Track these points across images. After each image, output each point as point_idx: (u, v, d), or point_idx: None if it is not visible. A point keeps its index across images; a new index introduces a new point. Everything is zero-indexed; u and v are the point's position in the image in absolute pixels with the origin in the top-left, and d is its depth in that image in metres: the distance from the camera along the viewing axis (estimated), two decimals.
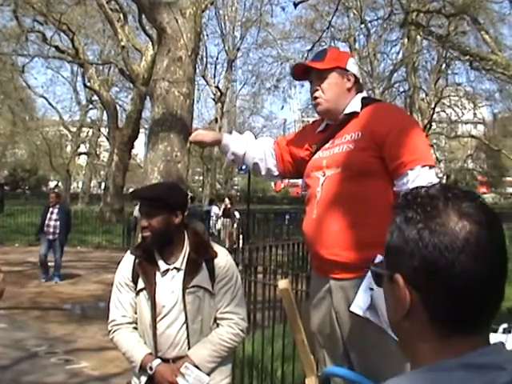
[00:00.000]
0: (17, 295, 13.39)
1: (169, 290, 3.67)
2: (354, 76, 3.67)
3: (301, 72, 3.81)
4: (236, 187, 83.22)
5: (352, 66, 3.69)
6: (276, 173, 4.08)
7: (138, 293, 3.73)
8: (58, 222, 15.38)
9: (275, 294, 6.56)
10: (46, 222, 15.47)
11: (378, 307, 3.08)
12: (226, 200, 26.96)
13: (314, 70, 3.66)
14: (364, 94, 3.77)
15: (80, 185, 73.70)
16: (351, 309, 3.21)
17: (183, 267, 3.68)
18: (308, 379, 2.94)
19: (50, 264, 15.63)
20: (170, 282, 3.68)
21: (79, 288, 14.62)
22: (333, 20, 34.97)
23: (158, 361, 3.64)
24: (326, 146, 3.62)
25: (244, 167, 4.16)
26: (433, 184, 1.38)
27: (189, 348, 3.66)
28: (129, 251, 3.94)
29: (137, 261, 3.76)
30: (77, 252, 22.51)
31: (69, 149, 67.07)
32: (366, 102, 3.63)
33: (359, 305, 3.18)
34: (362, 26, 34.64)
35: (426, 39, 30.79)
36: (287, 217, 31.33)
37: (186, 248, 3.73)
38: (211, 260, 3.73)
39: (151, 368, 3.61)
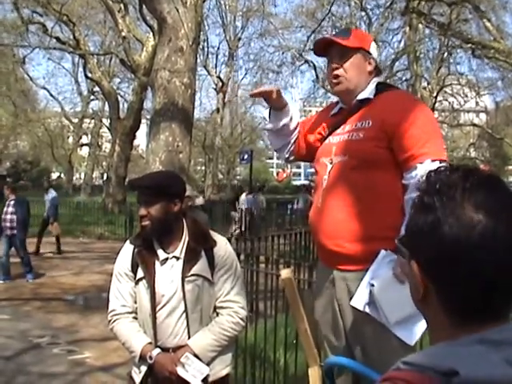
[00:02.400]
0: (19, 286, 13.43)
1: (168, 279, 3.66)
2: (374, 60, 3.62)
3: (322, 46, 3.69)
4: (238, 177, 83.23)
5: (374, 49, 3.64)
6: (287, 154, 4.01)
7: (137, 282, 3.72)
8: (15, 216, 14.33)
9: (277, 284, 6.55)
10: (3, 216, 14.52)
11: (378, 303, 3.07)
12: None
13: (337, 46, 3.55)
14: (380, 79, 3.70)
15: (82, 176, 73.69)
16: (351, 303, 3.20)
17: (182, 256, 3.67)
18: (311, 369, 2.93)
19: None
20: (169, 271, 3.67)
21: (82, 278, 14.63)
22: (334, 9, 34.97)
23: (158, 350, 3.63)
24: (337, 131, 3.56)
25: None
26: (458, 168, 1.36)
27: (189, 337, 3.65)
28: (128, 241, 3.92)
29: (136, 250, 3.74)
30: (79, 243, 22.57)
31: (71, 140, 67.20)
32: (380, 88, 3.55)
33: (360, 299, 3.17)
34: (364, 14, 34.53)
35: (428, 27, 30.73)
36: (289, 206, 31.29)
37: (185, 237, 3.72)
38: (210, 249, 3.72)
39: (151, 357, 3.60)
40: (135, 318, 3.79)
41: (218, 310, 3.77)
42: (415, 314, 1.35)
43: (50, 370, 7.66)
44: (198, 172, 79.13)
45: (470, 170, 1.35)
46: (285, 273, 3.00)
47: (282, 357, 6.26)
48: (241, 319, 3.78)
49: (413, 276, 1.35)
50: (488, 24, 25.05)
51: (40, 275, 14.70)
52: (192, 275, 3.64)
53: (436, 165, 3.11)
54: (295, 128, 3.90)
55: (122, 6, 28.08)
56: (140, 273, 3.70)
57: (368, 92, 3.52)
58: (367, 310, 3.14)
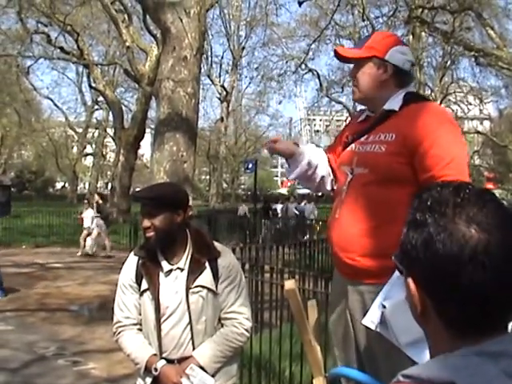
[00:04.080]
0: (25, 297, 13.42)
1: (172, 291, 3.66)
2: (395, 67, 3.40)
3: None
4: (242, 186, 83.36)
5: (395, 55, 3.40)
6: (330, 187, 3.84)
7: (141, 294, 3.72)
8: None
9: (282, 294, 6.54)
10: None
11: (389, 325, 3.04)
12: (96, 196, 24.17)
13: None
14: (410, 88, 3.52)
15: (87, 185, 73.87)
16: (363, 322, 3.15)
17: (186, 267, 3.67)
18: (316, 380, 2.93)
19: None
20: (173, 283, 3.67)
21: (87, 289, 14.61)
22: (337, 17, 35.02)
23: (163, 362, 3.63)
24: (361, 139, 3.46)
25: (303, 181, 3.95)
26: (447, 183, 1.36)
27: (193, 348, 3.64)
28: (132, 252, 3.92)
29: (140, 262, 3.75)
30: (84, 253, 22.54)
31: (75, 150, 67.33)
32: (408, 99, 3.38)
33: (372, 319, 3.13)
34: (367, 23, 34.55)
35: (431, 36, 30.75)
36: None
37: (189, 248, 3.72)
38: (214, 260, 3.71)
39: (156, 369, 3.60)
40: (140, 330, 3.79)
41: (222, 322, 3.75)
42: None
43: (56, 382, 7.64)
44: (202, 181, 79.26)
45: (461, 185, 1.36)
46: (288, 284, 2.99)
47: (287, 367, 6.25)
48: (245, 330, 3.77)
49: (410, 292, 1.36)
50: (491, 32, 25.04)
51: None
52: (196, 286, 3.63)
53: None
54: (323, 160, 3.79)
55: (125, 16, 28.15)
56: (144, 284, 3.70)
57: (394, 103, 3.38)
58: (378, 329, 3.11)
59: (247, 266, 7.19)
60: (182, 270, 3.68)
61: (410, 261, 1.35)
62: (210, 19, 38.95)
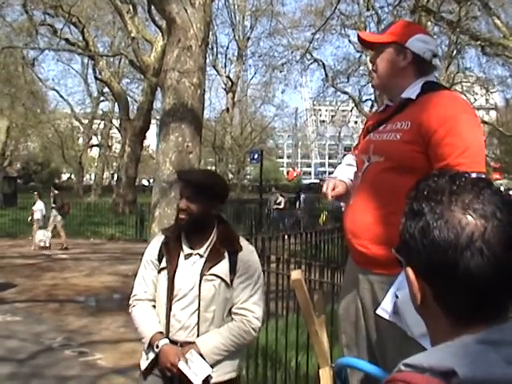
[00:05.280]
0: (32, 288, 13.46)
1: (188, 274, 3.70)
2: (415, 55, 3.38)
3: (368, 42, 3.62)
4: (248, 177, 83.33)
5: (416, 43, 3.38)
6: None
7: (159, 271, 3.79)
8: None
9: (289, 284, 6.54)
10: None
11: (402, 316, 3.03)
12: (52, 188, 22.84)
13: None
14: (430, 77, 3.47)
15: (93, 177, 73.97)
16: (377, 312, 3.14)
17: (206, 254, 3.72)
18: (322, 370, 2.93)
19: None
20: (190, 267, 3.72)
21: (94, 280, 14.66)
22: (342, 7, 34.92)
23: (166, 341, 3.66)
24: (380, 128, 3.46)
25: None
26: (444, 173, 1.36)
27: (198, 335, 3.66)
28: (161, 231, 4.03)
29: (164, 240, 3.83)
30: (90, 244, 22.63)
31: (81, 141, 67.36)
32: (426, 88, 3.34)
33: (385, 309, 3.13)
34: (372, 12, 34.47)
35: (437, 25, 30.59)
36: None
37: (213, 237, 3.76)
38: (235, 253, 3.74)
39: (157, 346, 3.64)
40: (154, 306, 3.84)
41: (233, 316, 3.76)
42: None
43: (64, 372, 7.67)
44: None
45: (457, 174, 1.37)
46: (295, 274, 2.99)
47: (293, 357, 6.26)
48: (253, 329, 3.76)
49: (410, 282, 1.36)
50: (497, 21, 24.93)
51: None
52: (210, 274, 3.67)
53: None
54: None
55: (130, 6, 28.15)
56: (163, 263, 3.77)
57: (412, 91, 3.36)
58: (393, 319, 3.10)
59: None
60: (201, 256, 3.73)
61: (409, 250, 1.36)
62: (215, 9, 38.90)
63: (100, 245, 22.46)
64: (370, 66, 3.46)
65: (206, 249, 3.73)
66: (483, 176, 1.23)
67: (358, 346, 3.40)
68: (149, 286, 3.85)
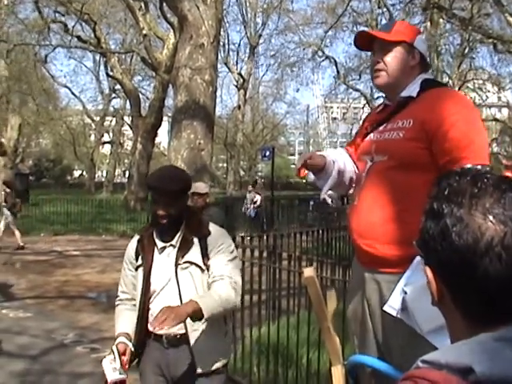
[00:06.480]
0: (44, 284, 13.50)
1: (164, 266, 3.78)
2: (420, 55, 3.46)
3: (364, 41, 3.59)
4: (260, 174, 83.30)
5: (420, 43, 3.46)
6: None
7: (136, 269, 3.89)
8: None
9: (300, 281, 6.54)
10: None
11: (411, 311, 3.02)
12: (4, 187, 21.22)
13: (379, 40, 3.46)
14: (427, 75, 3.52)
15: (104, 174, 74.12)
16: (384, 308, 3.13)
17: (178, 244, 3.79)
18: (334, 368, 2.92)
19: None
20: (166, 259, 3.80)
21: (106, 276, 14.65)
22: (354, 4, 34.88)
23: (121, 339, 3.83)
24: (380, 128, 3.47)
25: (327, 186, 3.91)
26: (468, 171, 1.35)
27: (185, 326, 3.68)
28: (136, 232, 4.15)
29: (138, 239, 3.95)
30: (102, 240, 22.64)
31: (92, 138, 67.53)
32: (425, 85, 3.38)
33: (393, 305, 3.12)
34: (384, 9, 34.37)
35: (449, 22, 30.49)
36: (311, 203, 31.25)
37: (183, 226, 3.82)
38: (205, 238, 3.79)
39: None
40: (134, 305, 3.94)
41: (210, 285, 3.74)
42: None
43: (76, 369, 7.69)
44: (219, 169, 79.39)
45: (479, 173, 1.35)
46: (307, 271, 2.99)
47: (304, 354, 6.25)
48: (234, 289, 3.72)
49: (428, 281, 1.36)
50: (510, 18, 24.78)
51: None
52: (185, 262, 3.74)
53: None
54: (347, 162, 3.77)
55: (142, 4, 28.19)
56: (140, 260, 3.88)
57: (412, 89, 3.39)
58: (400, 316, 3.09)
59: (265, 254, 7.20)
60: (174, 247, 3.80)
61: (428, 250, 1.35)
62: (226, 6, 38.90)
63: (112, 241, 22.45)
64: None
65: (178, 238, 3.79)
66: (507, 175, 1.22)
67: (368, 347, 3.39)
68: (127, 286, 4.00)
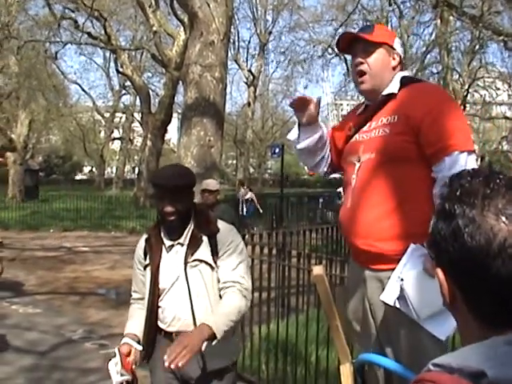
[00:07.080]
0: (53, 280, 13.54)
1: (173, 265, 3.77)
2: (399, 56, 3.54)
3: (346, 44, 3.61)
4: (269, 171, 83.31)
5: (398, 45, 3.56)
6: (325, 168, 3.92)
7: (145, 268, 3.89)
8: None
9: (309, 279, 6.54)
10: None
11: (408, 298, 3.04)
12: None
13: (361, 42, 3.48)
14: (404, 73, 3.60)
15: (114, 170, 74.23)
16: (381, 298, 3.15)
17: (186, 242, 3.76)
18: (342, 366, 2.93)
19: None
20: (174, 257, 3.79)
21: (115, 273, 14.71)
22: (364, 2, 34.80)
23: (126, 339, 3.84)
24: (364, 128, 3.51)
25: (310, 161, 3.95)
26: (480, 171, 1.35)
27: (194, 322, 3.66)
28: (145, 230, 4.15)
29: (146, 238, 3.95)
30: (111, 237, 22.70)
31: (102, 134, 67.66)
32: (405, 81, 3.47)
33: (390, 294, 3.13)
34: (394, 7, 34.29)
35: (459, 20, 30.38)
36: (321, 200, 31.23)
37: (191, 224, 3.80)
38: (214, 235, 3.77)
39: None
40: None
41: (221, 292, 3.75)
42: (446, 309, 1.35)
43: (84, 365, 7.71)
44: (229, 166, 79.37)
45: (492, 174, 1.33)
46: (317, 269, 2.99)
47: (313, 352, 6.26)
48: (244, 297, 3.73)
49: (439, 283, 1.35)
50: None
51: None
52: (194, 260, 3.72)
53: (464, 156, 3.11)
54: (326, 140, 3.85)
55: (152, 0, 28.15)
56: (148, 259, 3.87)
57: (392, 87, 3.46)
58: (397, 304, 3.10)
59: (274, 251, 7.20)
60: (182, 245, 3.78)
61: (439, 251, 1.33)
62: (236, 4, 38.87)
63: (121, 238, 22.51)
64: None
65: (186, 237, 3.77)
66: None
67: (370, 347, 3.39)
68: (138, 285, 4.02)
